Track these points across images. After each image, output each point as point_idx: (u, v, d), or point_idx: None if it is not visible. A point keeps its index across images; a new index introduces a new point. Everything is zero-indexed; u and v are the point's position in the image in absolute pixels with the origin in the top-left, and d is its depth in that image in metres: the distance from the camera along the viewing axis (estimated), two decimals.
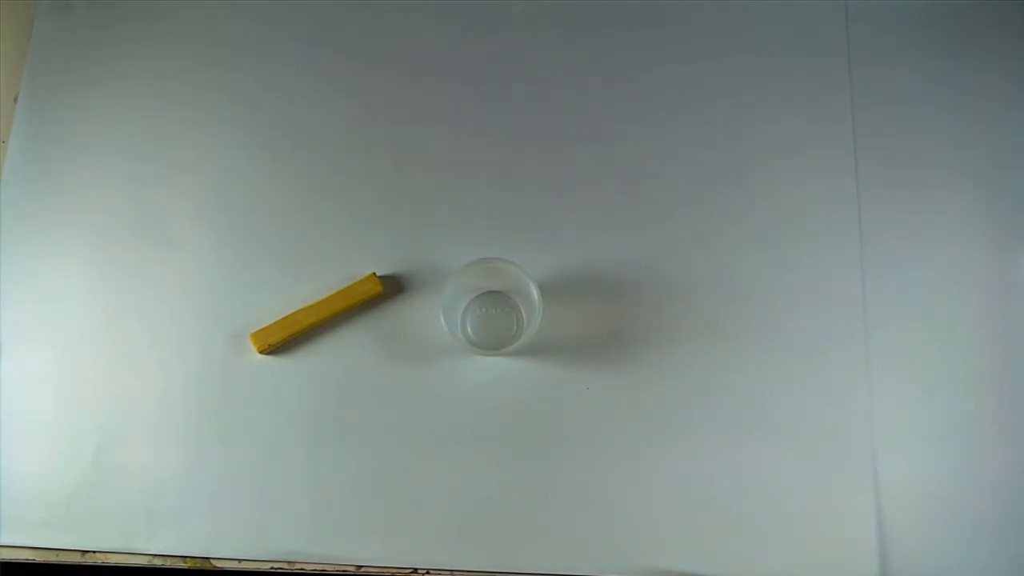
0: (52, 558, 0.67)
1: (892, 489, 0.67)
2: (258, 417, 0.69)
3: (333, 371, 0.70)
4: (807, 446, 0.67)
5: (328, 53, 0.75)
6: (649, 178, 0.73)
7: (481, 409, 0.69)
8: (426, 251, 0.71)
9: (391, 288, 0.71)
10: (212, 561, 0.67)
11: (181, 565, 0.67)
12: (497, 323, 0.69)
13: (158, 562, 0.67)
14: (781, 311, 0.71)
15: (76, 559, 0.67)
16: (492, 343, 0.68)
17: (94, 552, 0.67)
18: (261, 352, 0.69)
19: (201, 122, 0.73)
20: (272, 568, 0.67)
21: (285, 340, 0.69)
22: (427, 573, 0.67)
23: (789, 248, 0.72)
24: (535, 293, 0.62)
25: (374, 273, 0.70)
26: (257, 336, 0.69)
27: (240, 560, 0.66)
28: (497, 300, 0.70)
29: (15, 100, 0.74)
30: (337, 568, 0.66)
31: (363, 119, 0.73)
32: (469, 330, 0.69)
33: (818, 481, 0.68)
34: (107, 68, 0.75)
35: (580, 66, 0.75)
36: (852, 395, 0.69)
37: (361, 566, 0.67)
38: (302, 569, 0.67)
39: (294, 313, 0.69)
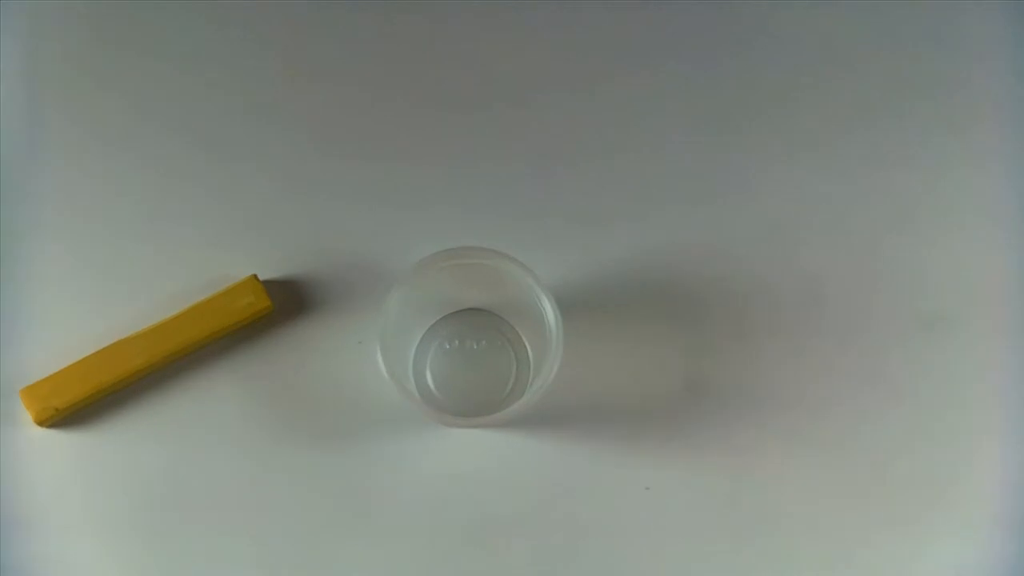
0: None
1: None
2: (39, 541, 0.51)
3: (179, 456, 0.52)
4: None
5: None
6: (747, 115, 0.56)
7: (452, 523, 0.52)
8: (350, 239, 0.55)
9: (286, 302, 0.53)
10: None
11: None
12: (481, 367, 0.54)
13: None
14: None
15: None
16: (472, 403, 0.53)
17: None
18: (41, 423, 0.50)
19: None
20: None
21: (87, 400, 0.51)
22: None
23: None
24: (550, 312, 0.48)
25: (255, 276, 0.52)
26: (33, 394, 0.50)
27: None
28: (481, 325, 0.54)
29: None
30: None
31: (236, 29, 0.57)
32: (431, 380, 0.53)
33: None
34: None
35: None
36: None
37: None
38: None
39: (103, 351, 0.51)
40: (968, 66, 0.57)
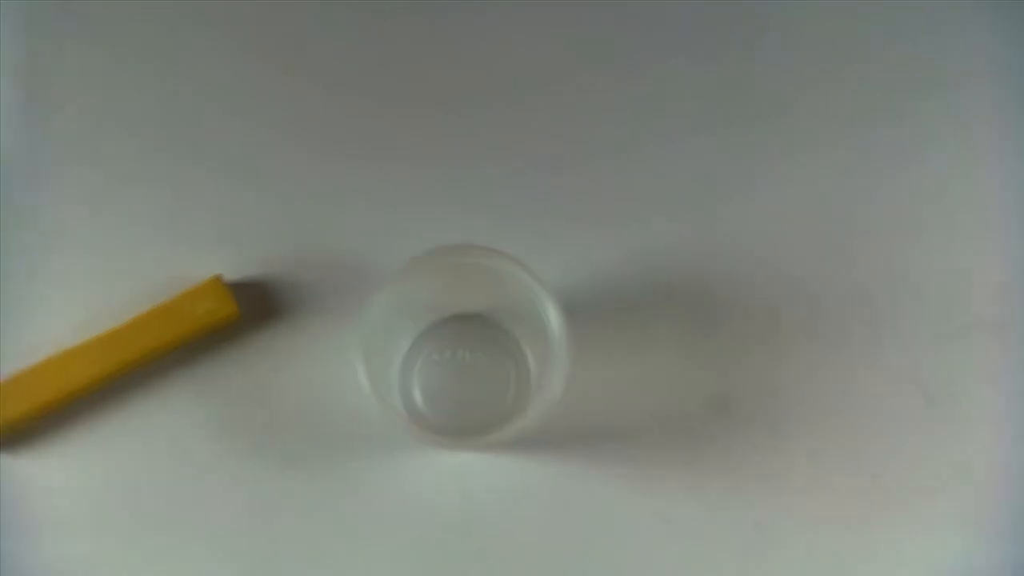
0: None
1: None
2: None
3: (133, 479, 0.49)
4: None
5: None
6: (757, 113, 0.55)
7: (441, 558, 0.49)
8: (328, 236, 0.53)
9: (255, 307, 0.51)
10: None
11: None
12: (476, 380, 0.51)
13: None
14: None
15: None
16: (466, 422, 0.51)
17: None
18: None
19: None
20: None
21: (28, 417, 0.48)
22: None
23: None
24: (554, 319, 0.46)
25: (219, 277, 0.49)
26: None
27: None
28: (476, 334, 0.52)
29: None
30: None
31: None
32: (419, 395, 0.51)
33: None
34: None
35: None
36: None
37: None
38: None
39: (46, 362, 0.48)
40: (969, 66, 0.55)
